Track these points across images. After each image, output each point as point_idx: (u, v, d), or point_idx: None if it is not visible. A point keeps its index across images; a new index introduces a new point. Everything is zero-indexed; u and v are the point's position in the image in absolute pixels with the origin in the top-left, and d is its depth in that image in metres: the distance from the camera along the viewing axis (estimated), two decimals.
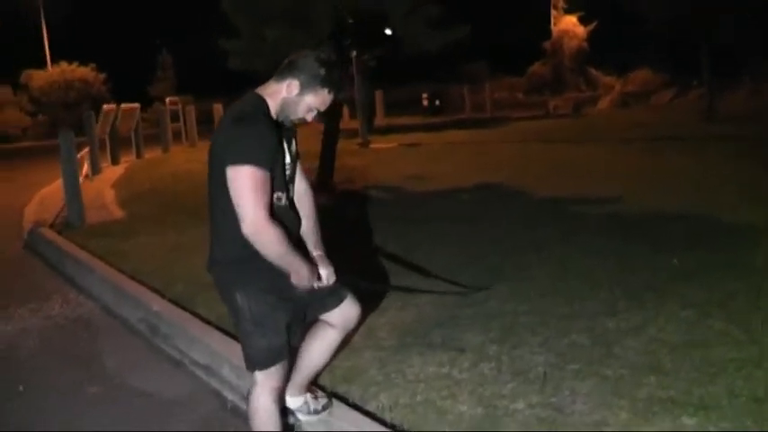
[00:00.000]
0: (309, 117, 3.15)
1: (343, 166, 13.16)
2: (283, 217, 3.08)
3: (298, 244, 3.18)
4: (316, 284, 3.20)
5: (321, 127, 11.51)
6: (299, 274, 3.07)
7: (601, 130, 19.49)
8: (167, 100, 25.33)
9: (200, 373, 4.78)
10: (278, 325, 3.13)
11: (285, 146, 3.14)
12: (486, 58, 46.45)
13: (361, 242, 7.40)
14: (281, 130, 3.13)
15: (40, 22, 43.36)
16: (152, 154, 20.11)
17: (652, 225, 7.30)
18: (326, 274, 3.27)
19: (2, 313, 6.43)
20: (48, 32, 43.39)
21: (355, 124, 21.33)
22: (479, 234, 7.41)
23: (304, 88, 3.07)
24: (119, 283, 6.58)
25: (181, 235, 8.10)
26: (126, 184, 14.24)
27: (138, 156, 19.59)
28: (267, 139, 2.95)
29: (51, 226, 9.89)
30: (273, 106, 3.10)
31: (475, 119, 28.07)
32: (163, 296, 6.02)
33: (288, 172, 3.16)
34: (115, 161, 18.33)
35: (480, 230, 7.57)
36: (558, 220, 7.86)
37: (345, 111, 31.67)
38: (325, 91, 3.09)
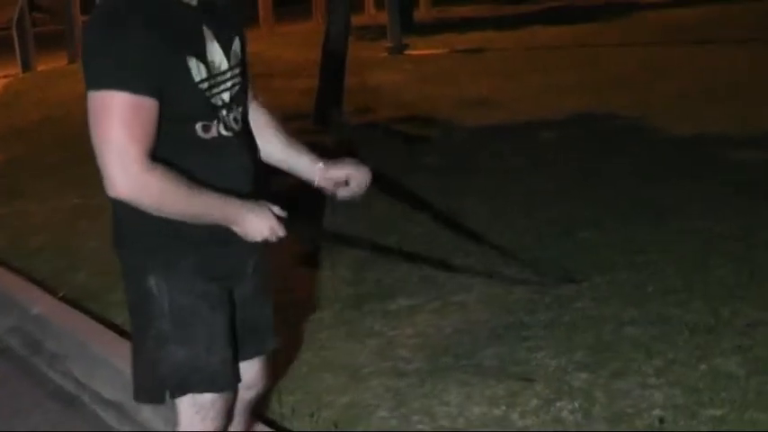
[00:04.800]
0: None
1: (361, 86, 13.21)
2: (222, 156, 3.06)
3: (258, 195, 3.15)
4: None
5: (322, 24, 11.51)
6: (245, 223, 3.00)
7: None
8: None
9: (106, 414, 4.83)
10: (214, 329, 3.14)
11: (211, 40, 3.07)
12: None
13: (377, 201, 7.37)
14: (201, 13, 3.05)
15: None
16: (50, 63, 20.28)
17: None
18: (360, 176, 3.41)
19: None
20: None
21: (383, 18, 21.24)
22: (567, 194, 7.46)
23: None
24: None
25: (89, 194, 8.00)
26: (3, 111, 14.43)
27: (26, 66, 19.78)
28: (144, 44, 2.84)
29: None
30: None
31: (579, 6, 27.70)
32: (52, 293, 6.10)
33: (226, 86, 3.09)
34: None
35: (569, 188, 7.63)
36: (698, 172, 7.87)
37: None
38: None
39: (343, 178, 3.33)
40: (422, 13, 28.65)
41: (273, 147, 3.39)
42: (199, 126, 2.99)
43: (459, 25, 24.12)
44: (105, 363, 5.04)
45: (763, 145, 8.62)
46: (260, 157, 3.30)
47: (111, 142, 2.78)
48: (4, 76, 18.68)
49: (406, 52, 19.25)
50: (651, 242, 6.19)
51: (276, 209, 3.03)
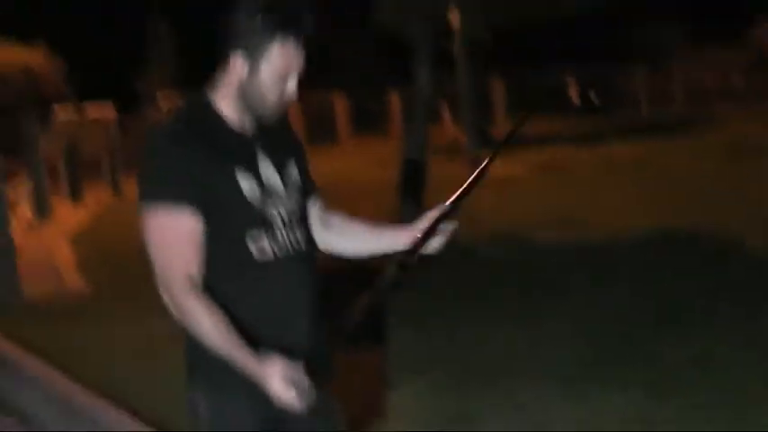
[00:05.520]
0: (291, 90, 3.10)
1: (441, 203, 13.17)
2: (275, 282, 3.10)
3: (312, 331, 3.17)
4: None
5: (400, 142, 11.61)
6: (270, 385, 2.92)
7: None
8: (161, 97, 25.67)
9: None
10: None
11: (265, 162, 3.15)
12: (679, 19, 45.92)
13: (451, 326, 7.44)
14: (256, 139, 3.16)
15: None
16: None
17: None
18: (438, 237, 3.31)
19: None
20: None
21: (460, 134, 21.38)
22: (641, 317, 7.37)
23: (252, 59, 3.06)
24: (66, 397, 6.72)
25: (172, 321, 8.05)
26: (92, 235, 14.68)
27: (116, 191, 20.10)
28: (190, 159, 2.98)
29: None
30: (229, 103, 3.13)
31: (657, 121, 27.74)
32: (138, 419, 6.13)
33: (284, 207, 3.16)
34: (77, 198, 19.00)
35: (649, 307, 7.53)
36: None
37: (445, 110, 31.89)
38: (278, 42, 3.03)
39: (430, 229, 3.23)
40: (499, 127, 28.89)
41: (360, 236, 3.48)
42: (253, 246, 3.04)
43: (536, 140, 24.20)
44: None
45: None
46: (317, 284, 3.28)
47: (155, 262, 2.97)
48: (93, 200, 19.09)
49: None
50: (747, 375, 5.95)
51: (286, 370, 2.88)
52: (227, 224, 3.00)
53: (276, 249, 3.08)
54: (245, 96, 3.09)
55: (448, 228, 3.29)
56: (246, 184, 3.04)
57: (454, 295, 8.46)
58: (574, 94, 33.35)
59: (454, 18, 17.60)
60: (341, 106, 28.38)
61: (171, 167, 2.95)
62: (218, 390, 3.14)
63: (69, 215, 17.19)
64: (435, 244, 3.28)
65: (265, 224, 3.07)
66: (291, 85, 3.08)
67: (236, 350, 2.91)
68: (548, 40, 35.42)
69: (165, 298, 2.97)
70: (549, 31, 27.51)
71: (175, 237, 2.94)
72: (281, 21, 2.99)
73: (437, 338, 7.10)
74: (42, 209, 16.51)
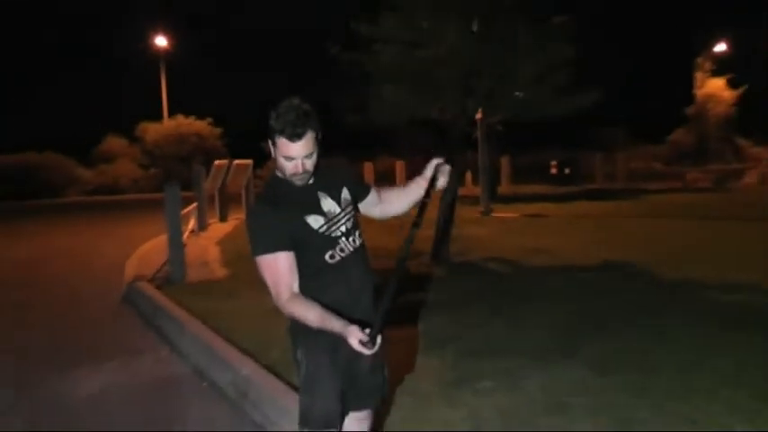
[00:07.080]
0: (293, 169, 3.25)
1: (461, 236, 13.20)
2: (344, 272, 3.32)
3: (363, 291, 3.39)
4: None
5: (440, 193, 11.56)
6: (351, 342, 3.16)
7: (744, 207, 18.85)
8: None
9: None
10: (328, 390, 3.32)
11: (324, 198, 3.34)
12: (624, 124, 45.83)
13: (462, 315, 7.39)
14: (315, 185, 3.34)
15: (160, 74, 46.39)
16: None
17: None
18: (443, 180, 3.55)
19: (91, 366, 6.75)
20: (167, 85, 46.34)
21: (478, 191, 21.40)
22: (588, 316, 7.26)
23: (273, 145, 3.26)
24: (211, 344, 6.77)
25: None
26: (231, 242, 14.76)
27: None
28: (272, 220, 3.22)
29: (151, 280, 10.38)
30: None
31: (606, 190, 27.77)
32: (256, 360, 6.14)
33: (342, 221, 3.35)
34: (223, 218, 19.13)
35: (590, 312, 7.41)
36: (684, 306, 7.55)
37: (468, 176, 31.97)
38: (276, 137, 3.21)
39: (432, 174, 3.54)
40: (504, 188, 28.81)
41: (399, 199, 3.68)
42: (327, 255, 3.29)
43: (528, 198, 24.25)
44: (289, 411, 5.01)
45: (723, 290, 8.26)
46: (369, 264, 3.47)
47: (269, 287, 3.22)
48: (234, 219, 19.19)
49: (492, 214, 19.31)
50: (653, 357, 5.93)
51: (359, 334, 3.11)
52: (308, 249, 3.25)
53: (342, 254, 3.32)
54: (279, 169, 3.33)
55: (445, 169, 3.52)
56: (314, 221, 3.28)
57: (466, 295, 8.43)
58: (554, 169, 33.34)
59: (479, 114, 17.62)
60: (400, 168, 28.36)
61: (264, 228, 3.22)
62: (309, 346, 3.34)
63: (218, 229, 17.33)
64: (441, 183, 3.55)
65: (333, 242, 3.31)
66: (298, 163, 3.23)
67: (328, 323, 3.17)
68: (539, 131, 35.44)
69: (279, 307, 3.23)
70: (544, 126, 27.46)
71: (278, 270, 3.19)
72: (281, 123, 3.18)
73: (454, 323, 7.07)
74: (202, 224, 16.65)
